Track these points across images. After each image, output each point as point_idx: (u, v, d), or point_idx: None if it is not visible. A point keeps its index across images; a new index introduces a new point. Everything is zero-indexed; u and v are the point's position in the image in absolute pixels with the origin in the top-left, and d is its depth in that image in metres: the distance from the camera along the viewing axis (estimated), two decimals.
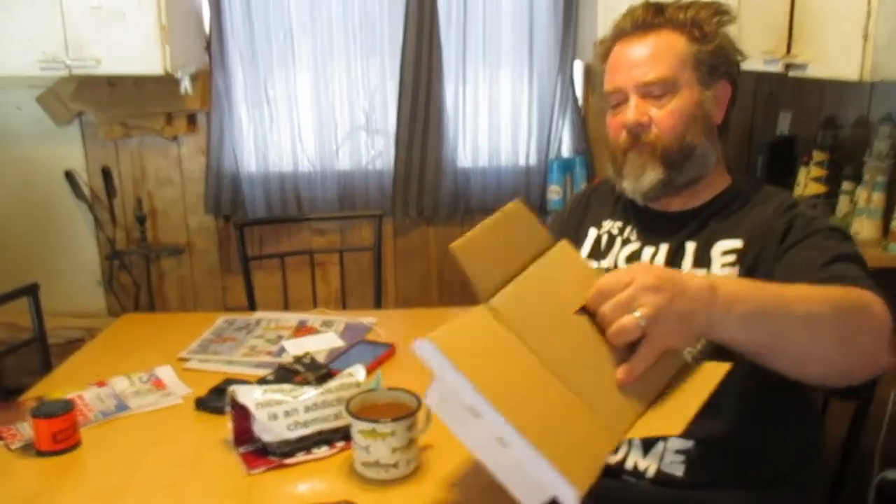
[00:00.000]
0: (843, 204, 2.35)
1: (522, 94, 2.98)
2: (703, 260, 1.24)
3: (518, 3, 2.88)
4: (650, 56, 1.23)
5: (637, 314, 0.86)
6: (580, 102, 3.01)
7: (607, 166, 1.34)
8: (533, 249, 0.88)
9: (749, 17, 2.21)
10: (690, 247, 1.26)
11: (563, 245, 0.92)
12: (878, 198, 2.17)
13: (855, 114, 2.38)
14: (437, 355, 0.76)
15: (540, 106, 2.98)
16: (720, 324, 0.91)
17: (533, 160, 3.03)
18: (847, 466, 1.43)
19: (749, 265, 1.18)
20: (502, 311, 0.80)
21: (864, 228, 2.20)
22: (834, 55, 1.90)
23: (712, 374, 0.90)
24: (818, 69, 1.99)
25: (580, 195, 1.55)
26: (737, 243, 1.22)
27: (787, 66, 2.14)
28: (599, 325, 0.88)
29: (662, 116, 1.22)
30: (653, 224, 1.31)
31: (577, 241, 1.42)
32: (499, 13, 2.90)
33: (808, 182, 2.45)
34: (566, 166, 2.98)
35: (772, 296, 0.94)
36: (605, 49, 1.31)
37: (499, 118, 3.00)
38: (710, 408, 1.04)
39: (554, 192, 2.97)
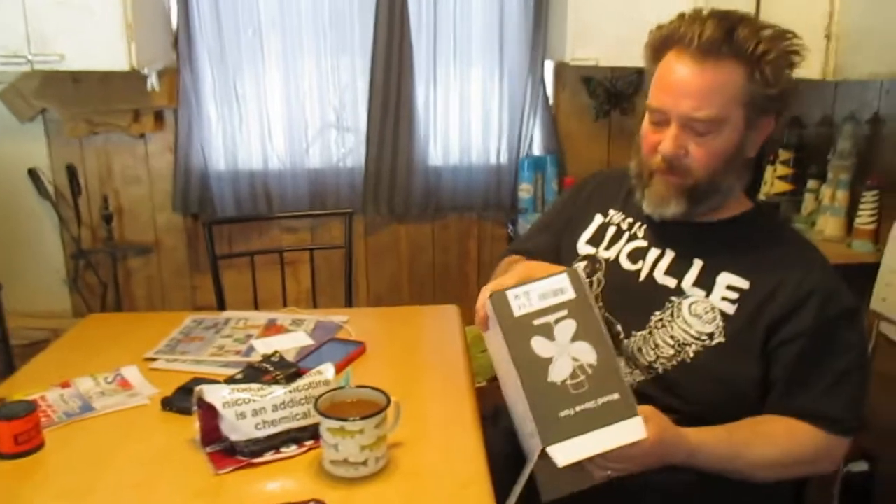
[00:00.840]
0: (808, 202, 2.39)
1: (493, 93, 2.99)
2: (705, 283, 1.25)
3: (489, 3, 2.89)
4: (705, 91, 1.15)
5: (609, 473, 1.05)
6: (551, 101, 3.03)
7: (631, 165, 1.32)
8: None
9: None
10: (697, 264, 1.27)
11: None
12: (842, 196, 2.21)
13: (819, 113, 2.42)
14: None
15: (511, 104, 2.99)
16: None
17: (504, 158, 3.04)
18: None
19: (750, 311, 1.20)
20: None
21: (828, 226, 2.24)
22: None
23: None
24: None
25: (584, 183, 1.54)
26: (743, 283, 1.23)
27: None
28: None
29: (700, 154, 1.19)
30: (664, 228, 1.31)
31: (580, 226, 1.43)
32: (469, 12, 2.90)
33: (774, 180, 2.49)
34: (537, 165, 2.99)
35: (729, 463, 1.14)
36: (661, 44, 1.22)
37: (469, 116, 3.00)
38: (671, 384, 1.18)
39: (524, 191, 2.98)
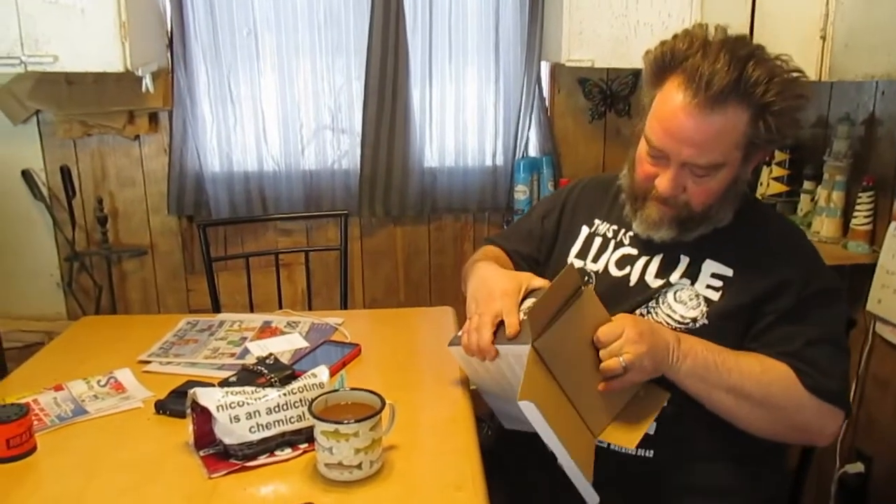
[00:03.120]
0: (804, 203, 2.38)
1: (489, 94, 2.98)
2: (691, 273, 1.27)
3: (484, 3, 2.88)
4: (708, 140, 1.13)
5: (621, 359, 1.13)
6: (546, 102, 3.02)
7: (622, 177, 1.34)
8: (568, 293, 1.18)
9: (710, 22, 2.23)
10: (684, 260, 1.29)
11: (590, 293, 1.21)
12: (837, 197, 2.21)
13: (815, 114, 2.42)
14: (538, 415, 1.08)
15: (506, 106, 2.98)
16: (671, 371, 1.18)
17: (500, 160, 3.03)
18: (808, 461, 1.45)
19: (733, 298, 1.23)
20: (543, 353, 1.13)
21: (824, 227, 2.24)
22: (793, 56, 1.93)
23: (657, 401, 1.22)
24: None
25: (566, 193, 1.54)
26: (727, 271, 1.25)
27: None
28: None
29: (697, 192, 1.20)
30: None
31: (568, 237, 1.44)
32: (464, 13, 2.89)
33: (769, 181, 2.49)
34: (533, 166, 2.98)
35: (715, 364, 1.17)
36: (663, 66, 1.18)
37: (465, 118, 3.00)
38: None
39: (520, 192, 2.98)
